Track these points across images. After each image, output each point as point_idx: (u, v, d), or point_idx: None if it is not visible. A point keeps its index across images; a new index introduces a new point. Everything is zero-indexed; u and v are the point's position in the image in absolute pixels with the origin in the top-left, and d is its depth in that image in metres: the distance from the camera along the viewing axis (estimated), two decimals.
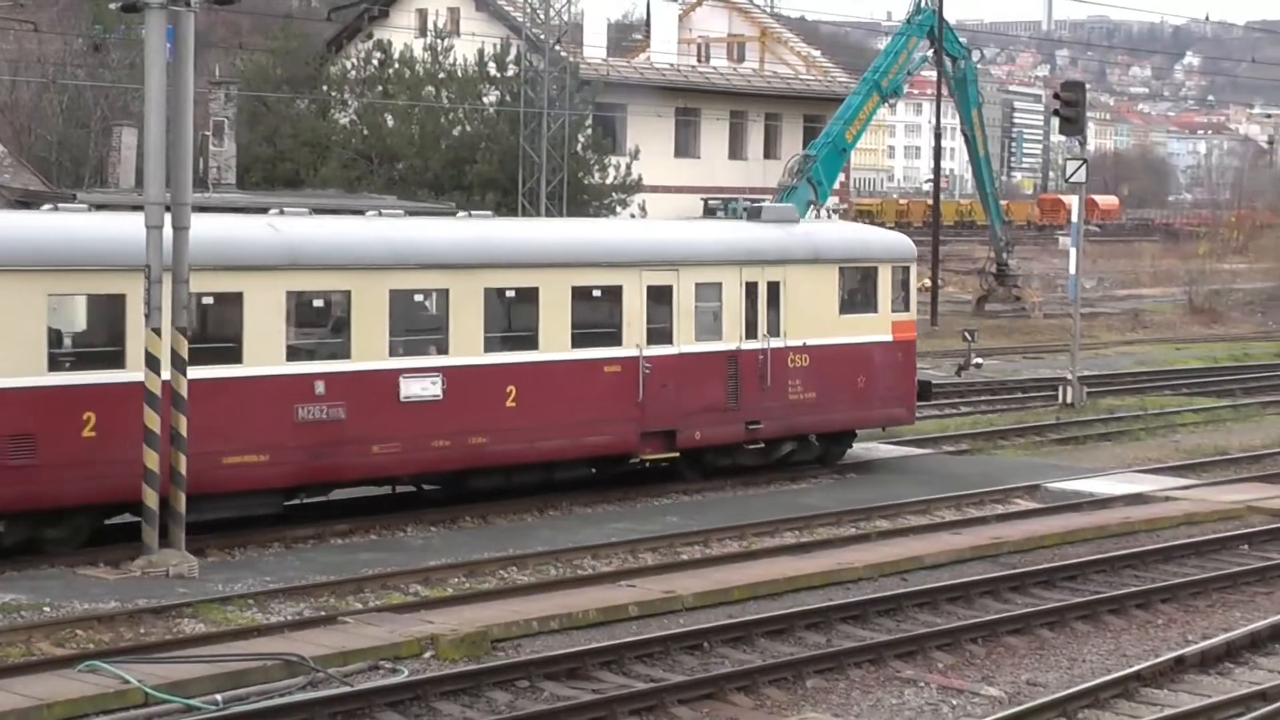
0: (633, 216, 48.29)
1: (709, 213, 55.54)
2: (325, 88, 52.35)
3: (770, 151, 61.91)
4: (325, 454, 22.38)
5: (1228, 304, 67.78)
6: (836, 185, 54.82)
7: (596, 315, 25.39)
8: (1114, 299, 72.63)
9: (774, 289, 27.29)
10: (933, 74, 56.43)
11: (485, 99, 51.24)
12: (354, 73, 52.37)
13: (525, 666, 16.47)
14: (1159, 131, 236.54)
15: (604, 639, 17.67)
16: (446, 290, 23.70)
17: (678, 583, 20.01)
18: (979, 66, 56.81)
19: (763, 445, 27.80)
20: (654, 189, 51.94)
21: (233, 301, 21.62)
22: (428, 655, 17.06)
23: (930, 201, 60.16)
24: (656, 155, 55.56)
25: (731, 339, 26.79)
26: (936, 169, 60.27)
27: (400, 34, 55.48)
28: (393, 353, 23.10)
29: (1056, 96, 40.47)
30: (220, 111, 49.09)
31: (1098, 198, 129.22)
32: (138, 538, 20.39)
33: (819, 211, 51.40)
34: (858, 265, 28.73)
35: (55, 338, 20.38)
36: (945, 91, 57.31)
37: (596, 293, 25.36)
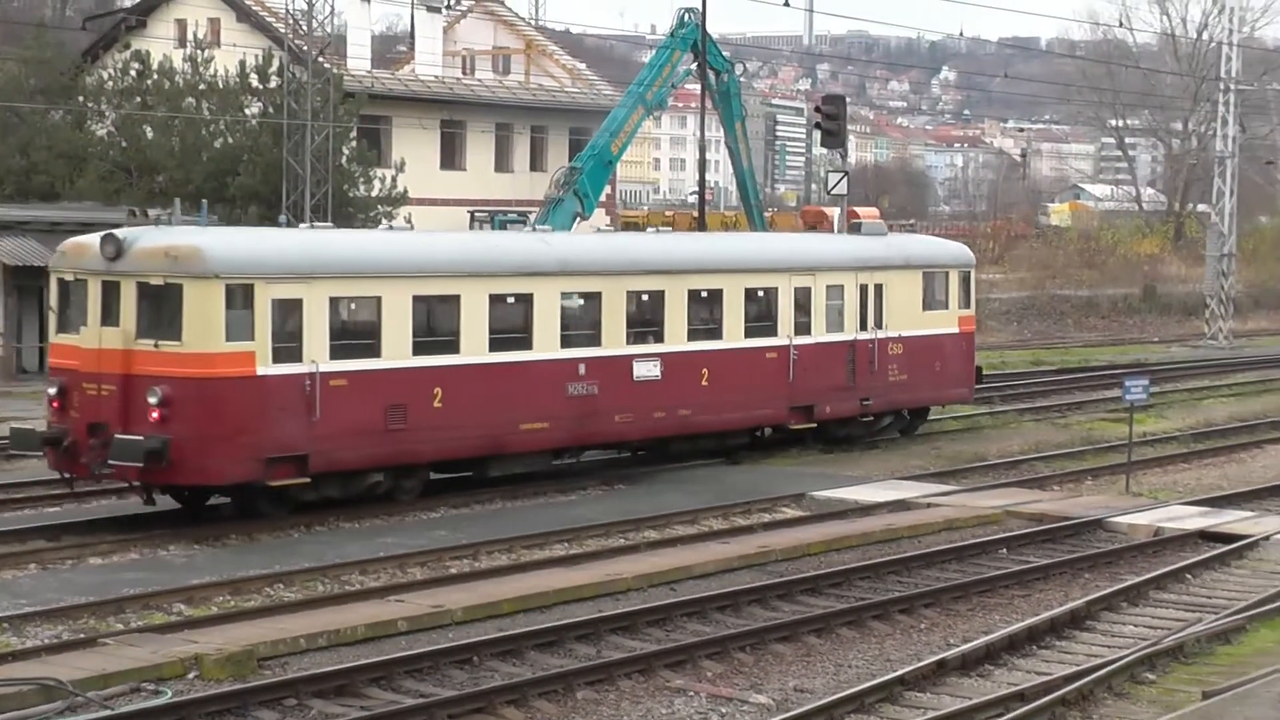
0: (391, 228, 47.93)
1: (475, 224, 55.45)
2: (81, 98, 51.21)
3: (537, 164, 61.93)
4: (585, 422, 27.95)
5: (984, 313, 69.28)
6: (603, 197, 54.96)
7: (760, 312, 31.12)
8: None
9: (879, 290, 33.27)
10: (697, 87, 56.85)
11: (247, 111, 50.54)
12: (111, 83, 51.31)
13: (293, 685, 16.26)
14: (917, 144, 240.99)
15: (373, 655, 17.52)
16: (663, 291, 29.35)
17: (447, 597, 19.92)
18: (742, 80, 57.36)
19: (871, 419, 33.51)
20: (420, 201, 51.68)
21: (526, 301, 27.06)
22: (192, 676, 16.76)
23: (696, 213, 60.62)
24: (422, 168, 55.28)
25: (850, 331, 32.71)
26: (701, 181, 60.67)
27: (159, 44, 54.47)
28: (628, 341, 28.67)
29: (818, 110, 41.12)
30: None
31: (859, 209, 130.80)
32: None
33: (597, 224, 51.55)
34: (934, 270, 34.74)
35: (417, 329, 25.52)
36: (709, 104, 57.73)
37: (760, 293, 31.17)
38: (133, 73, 50.81)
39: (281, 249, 24.97)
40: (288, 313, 23.96)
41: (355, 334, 24.96)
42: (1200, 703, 15.35)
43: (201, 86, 50.41)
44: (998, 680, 17.28)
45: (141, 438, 22.90)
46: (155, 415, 23.12)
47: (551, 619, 19.26)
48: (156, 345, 23.34)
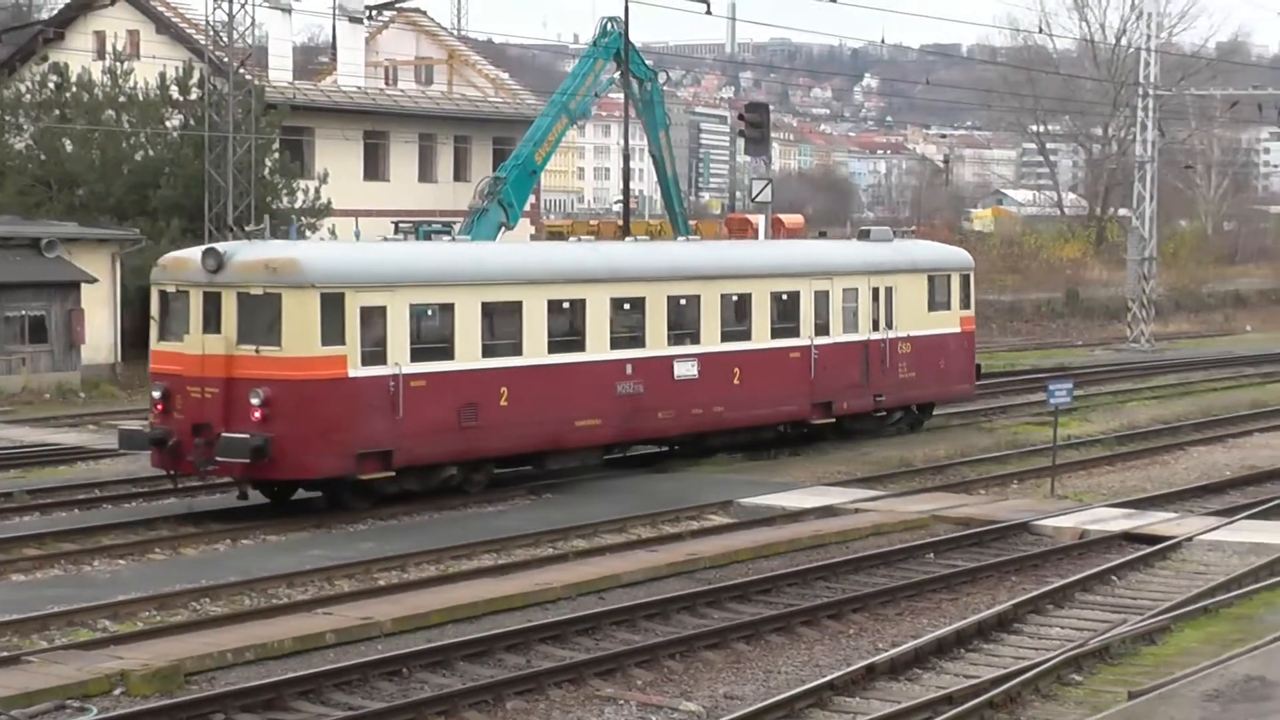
0: (322, 239, 47.77)
1: (400, 234, 55.54)
2: None
3: (460, 174, 61.82)
4: (631, 419, 29.95)
5: None
6: (527, 207, 54.92)
7: (784, 314, 33.08)
8: None
9: (888, 292, 35.25)
10: (620, 96, 56.91)
11: (168, 123, 50.25)
12: (29, 96, 50.88)
13: (220, 699, 16.17)
14: (841, 151, 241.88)
15: (301, 668, 17.44)
16: (699, 296, 31.23)
17: (375, 609, 19.85)
18: (665, 88, 57.36)
19: (884, 414, 35.71)
20: (344, 212, 51.43)
21: (580, 306, 28.91)
22: (118, 692, 16.64)
23: (620, 222, 60.67)
24: (345, 179, 55.09)
25: (864, 331, 34.66)
26: (626, 190, 60.70)
27: (77, 57, 54.08)
28: (669, 343, 30.58)
29: (741, 118, 41.24)
30: None
31: (784, 216, 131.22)
32: None
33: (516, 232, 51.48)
34: (937, 273, 36.84)
35: (485, 333, 27.54)
36: (633, 113, 57.83)
37: (784, 297, 33.08)
38: (51, 85, 50.43)
39: (368, 260, 27.12)
40: (374, 319, 25.95)
41: (432, 338, 26.90)
42: (1126, 703, 15.47)
43: (121, 99, 50.10)
44: (926, 684, 17.36)
45: (247, 436, 24.81)
46: (257, 415, 25.04)
47: (481, 629, 19.23)
48: (257, 350, 25.34)
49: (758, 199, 39.72)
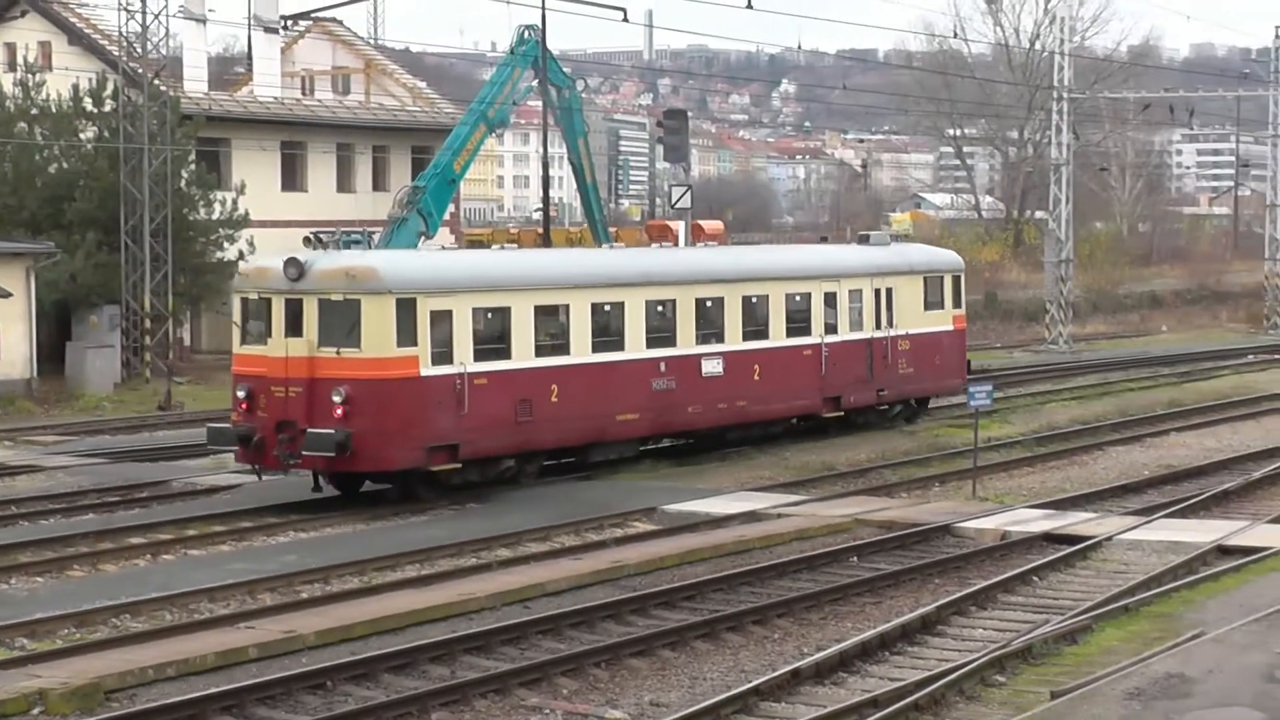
0: (240, 253, 47.50)
1: (316, 244, 55.34)
2: None
3: (379, 184, 61.51)
4: (665, 413, 32.31)
5: None
6: (447, 216, 54.72)
7: (797, 314, 35.32)
8: None
9: (889, 293, 37.55)
10: (539, 103, 56.85)
11: (82, 135, 49.80)
12: None
13: (141, 716, 16.02)
14: (760, 157, 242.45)
15: (223, 683, 17.31)
16: (723, 298, 33.59)
17: (298, 622, 19.73)
18: (584, 95, 57.31)
19: (886, 407, 38.04)
20: (261, 224, 51.18)
21: (618, 308, 31.31)
22: (37, 711, 16.47)
23: (541, 230, 60.58)
24: (263, 190, 54.71)
25: (868, 330, 36.99)
26: (545, 198, 60.64)
27: None
28: (697, 342, 32.77)
29: (660, 124, 41.28)
30: None
31: (703, 223, 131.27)
32: None
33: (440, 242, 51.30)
34: (932, 274, 39.16)
35: (538, 334, 29.72)
36: (551, 121, 57.75)
37: (797, 298, 35.40)
38: None
39: (436, 268, 29.66)
40: (441, 322, 28.09)
41: (491, 339, 29.12)
42: (1049, 703, 15.56)
43: (34, 111, 49.60)
44: (852, 687, 17.41)
45: (331, 431, 26.84)
46: (339, 412, 27.12)
47: (405, 641, 19.14)
48: (338, 352, 27.44)
49: (677, 205, 39.75)
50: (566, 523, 26.68)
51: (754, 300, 34.30)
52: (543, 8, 52.92)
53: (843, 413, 36.47)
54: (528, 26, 53.68)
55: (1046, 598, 21.75)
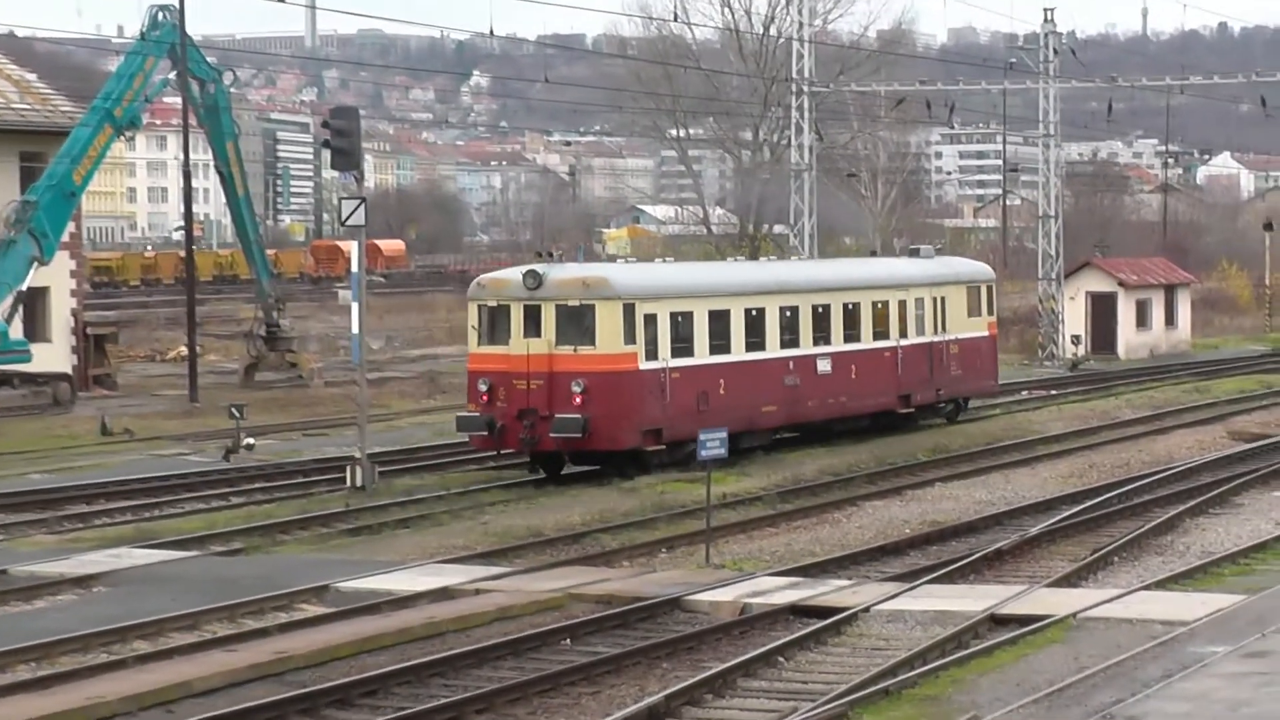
0: None
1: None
2: None
3: None
4: (794, 406, 43.38)
5: None
6: (66, 237, 53.81)
7: (879, 320, 46.54)
8: (406, 360, 73.97)
9: (943, 301, 49.15)
10: (178, 100, 56.27)
11: None
12: None
13: None
14: (448, 163, 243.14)
15: None
16: (828, 305, 44.70)
17: None
18: (233, 90, 57.10)
19: (941, 405, 49.47)
20: None
21: (761, 313, 42.33)
22: None
23: (183, 253, 59.91)
24: None
25: (929, 334, 48.24)
26: (188, 214, 60.06)
27: None
28: (813, 344, 43.73)
29: (326, 125, 40.83)
30: None
31: (381, 243, 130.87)
32: None
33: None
34: (973, 284, 51.36)
35: (710, 335, 40.70)
36: (194, 121, 57.19)
37: (879, 305, 46.66)
38: None
39: (648, 277, 41.67)
40: (651, 324, 38.95)
41: (682, 339, 39.87)
42: None
43: None
44: None
45: (576, 416, 37.37)
46: (577, 400, 37.53)
47: None
48: (575, 350, 38.02)
49: (349, 223, 39.35)
50: (218, 607, 26.27)
51: (850, 307, 45.37)
52: None
53: (913, 409, 47.53)
54: (161, 7, 53.22)
55: (794, 682, 22.03)
